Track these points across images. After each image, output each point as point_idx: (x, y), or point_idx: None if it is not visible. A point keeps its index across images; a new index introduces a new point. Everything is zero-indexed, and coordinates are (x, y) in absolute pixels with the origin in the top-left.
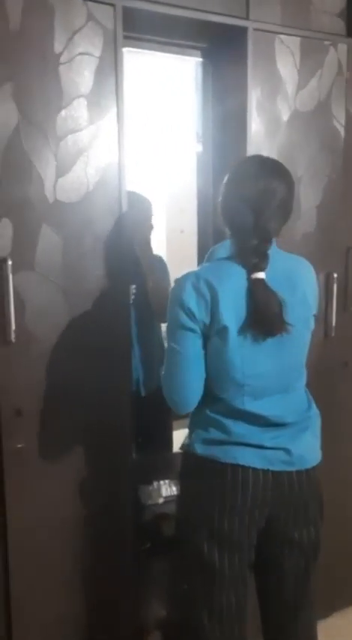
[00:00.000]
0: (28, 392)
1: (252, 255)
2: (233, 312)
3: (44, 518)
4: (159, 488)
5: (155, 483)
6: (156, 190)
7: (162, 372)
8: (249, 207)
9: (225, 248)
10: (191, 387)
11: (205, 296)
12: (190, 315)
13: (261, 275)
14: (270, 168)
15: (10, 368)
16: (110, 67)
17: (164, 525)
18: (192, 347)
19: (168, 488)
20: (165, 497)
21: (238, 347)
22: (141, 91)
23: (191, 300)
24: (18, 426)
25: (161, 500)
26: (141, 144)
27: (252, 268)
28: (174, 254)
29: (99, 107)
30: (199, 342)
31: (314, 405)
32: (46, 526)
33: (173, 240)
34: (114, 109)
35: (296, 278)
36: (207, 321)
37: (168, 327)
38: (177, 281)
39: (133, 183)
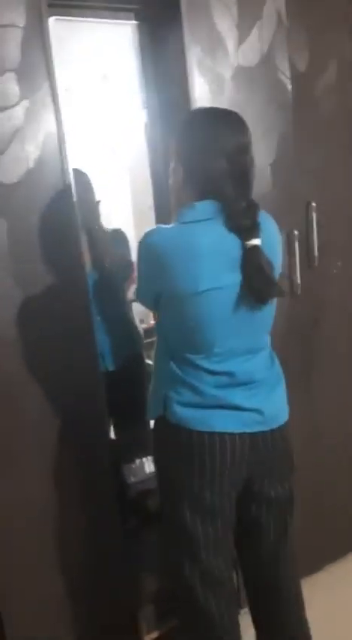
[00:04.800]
0: None
1: (244, 219)
2: (212, 275)
3: (25, 504)
4: (142, 465)
5: (137, 461)
6: (117, 168)
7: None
8: (231, 166)
9: (196, 211)
10: None
11: (179, 253)
12: (165, 265)
13: (257, 242)
14: (237, 120)
15: None
16: (37, 38)
17: (150, 500)
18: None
19: (150, 465)
20: (149, 474)
21: (215, 310)
22: (79, 60)
23: (167, 251)
24: None
25: (145, 477)
26: (88, 118)
27: (246, 234)
28: (143, 231)
29: (30, 80)
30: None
31: (277, 363)
32: (28, 512)
33: (141, 216)
34: (47, 82)
35: (270, 238)
36: (179, 278)
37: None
38: (150, 233)
39: (83, 161)
